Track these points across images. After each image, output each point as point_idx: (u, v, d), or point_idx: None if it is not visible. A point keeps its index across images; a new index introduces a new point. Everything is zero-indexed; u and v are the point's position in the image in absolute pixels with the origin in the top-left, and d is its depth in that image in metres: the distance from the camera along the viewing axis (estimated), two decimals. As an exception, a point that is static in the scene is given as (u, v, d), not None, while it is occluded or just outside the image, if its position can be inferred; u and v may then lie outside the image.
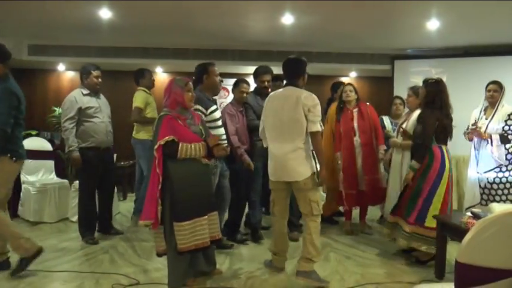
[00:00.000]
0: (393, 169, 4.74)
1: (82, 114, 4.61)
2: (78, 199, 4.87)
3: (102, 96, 4.92)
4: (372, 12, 5.09)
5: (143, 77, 5.57)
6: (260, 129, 3.86)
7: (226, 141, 4.15)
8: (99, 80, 4.78)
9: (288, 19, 5.40)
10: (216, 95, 4.41)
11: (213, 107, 4.10)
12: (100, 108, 4.76)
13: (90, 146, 4.65)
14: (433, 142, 4.05)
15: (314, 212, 3.53)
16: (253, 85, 5.08)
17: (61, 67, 7.97)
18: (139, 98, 5.39)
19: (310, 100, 3.50)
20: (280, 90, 3.75)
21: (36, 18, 5.59)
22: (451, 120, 4.10)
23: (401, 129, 4.63)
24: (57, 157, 6.67)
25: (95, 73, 4.73)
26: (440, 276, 3.66)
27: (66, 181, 5.99)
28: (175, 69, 7.84)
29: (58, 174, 6.17)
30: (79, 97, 4.64)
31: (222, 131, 4.14)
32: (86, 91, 4.70)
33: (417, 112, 4.45)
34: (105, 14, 5.24)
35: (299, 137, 3.50)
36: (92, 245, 4.56)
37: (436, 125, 4.01)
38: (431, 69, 6.86)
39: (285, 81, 3.87)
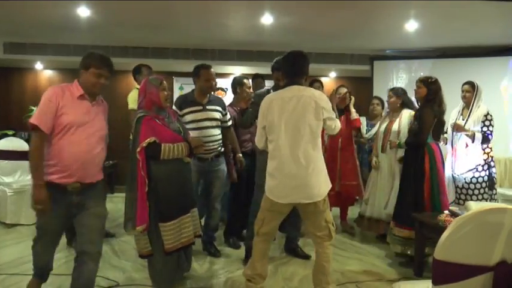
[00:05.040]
0: (382, 170, 4.75)
1: None
2: None
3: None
4: (351, 13, 5.12)
5: (140, 73, 5.41)
6: (259, 138, 3.18)
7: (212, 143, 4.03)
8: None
9: (267, 19, 5.39)
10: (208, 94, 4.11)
11: (188, 109, 3.93)
12: None
13: None
14: (430, 139, 4.08)
15: (333, 234, 3.09)
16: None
17: (39, 66, 7.81)
18: (131, 99, 5.17)
19: (324, 98, 3.07)
20: (282, 91, 3.10)
21: (13, 15, 5.48)
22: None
23: (389, 142, 4.58)
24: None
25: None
26: (419, 274, 3.71)
27: (43, 182, 5.89)
28: (154, 68, 7.69)
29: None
30: None
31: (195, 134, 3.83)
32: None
33: (406, 111, 4.60)
34: (83, 12, 5.17)
35: (317, 146, 2.99)
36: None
37: (434, 122, 4.06)
38: (410, 70, 6.96)
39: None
